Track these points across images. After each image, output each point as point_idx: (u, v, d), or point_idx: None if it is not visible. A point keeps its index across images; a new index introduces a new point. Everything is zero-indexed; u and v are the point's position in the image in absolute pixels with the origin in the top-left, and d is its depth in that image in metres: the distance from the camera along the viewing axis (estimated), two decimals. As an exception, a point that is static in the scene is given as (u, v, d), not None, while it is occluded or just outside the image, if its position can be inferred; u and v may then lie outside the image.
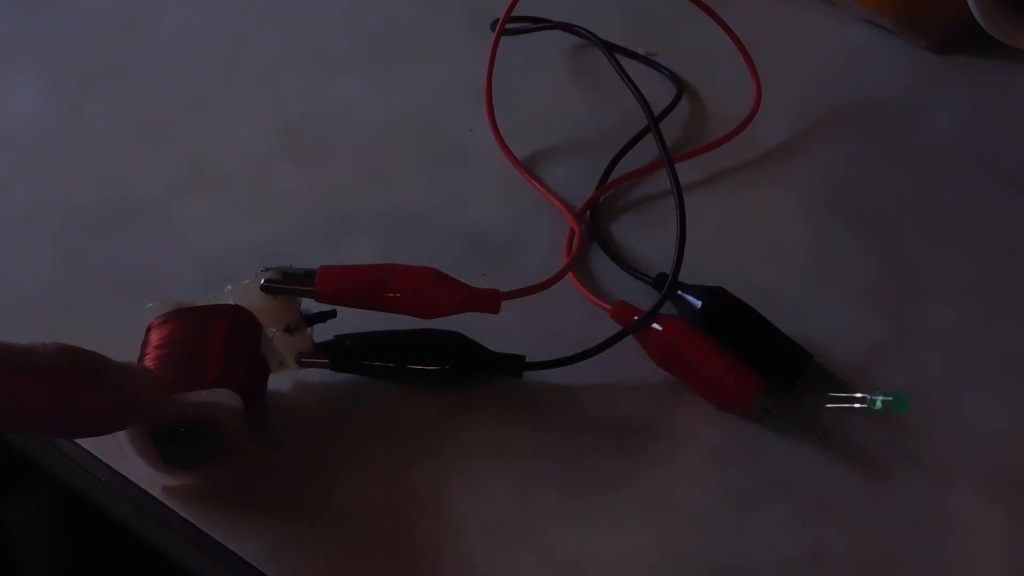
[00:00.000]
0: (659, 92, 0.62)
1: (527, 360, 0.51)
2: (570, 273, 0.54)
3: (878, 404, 0.48)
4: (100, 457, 0.49)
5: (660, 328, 0.51)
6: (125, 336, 0.47)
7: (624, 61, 0.63)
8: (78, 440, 0.49)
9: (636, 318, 0.51)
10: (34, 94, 0.64)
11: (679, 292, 0.52)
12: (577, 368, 0.51)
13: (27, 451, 0.52)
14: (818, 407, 0.49)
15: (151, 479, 0.47)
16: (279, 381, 0.50)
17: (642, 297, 0.53)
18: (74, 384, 0.41)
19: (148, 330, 0.47)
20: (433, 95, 0.63)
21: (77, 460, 0.49)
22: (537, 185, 0.58)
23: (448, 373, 0.51)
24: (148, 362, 0.46)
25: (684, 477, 0.49)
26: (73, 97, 0.64)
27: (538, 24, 0.65)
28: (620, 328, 0.51)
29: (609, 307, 0.52)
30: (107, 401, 0.43)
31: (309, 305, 0.50)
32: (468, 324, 0.51)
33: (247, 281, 0.49)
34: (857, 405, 0.48)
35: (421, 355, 0.51)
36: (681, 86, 0.63)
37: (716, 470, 0.49)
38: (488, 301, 0.50)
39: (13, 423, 0.42)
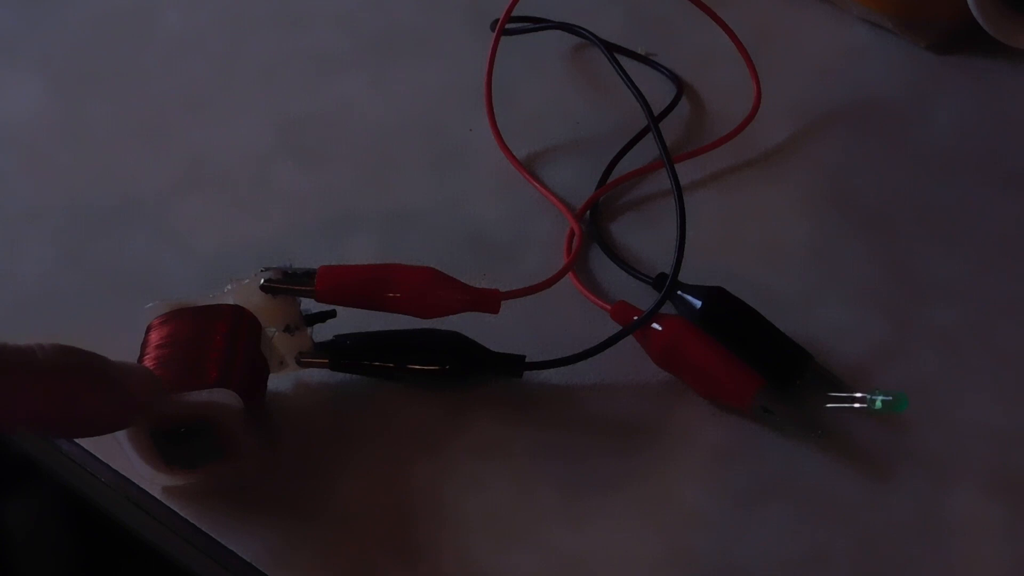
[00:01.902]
0: (659, 92, 0.62)
1: (527, 360, 0.51)
2: (570, 273, 0.54)
3: (878, 404, 0.48)
4: (100, 457, 0.49)
5: (660, 328, 0.51)
6: (125, 335, 0.47)
7: (624, 61, 0.63)
8: (78, 440, 0.49)
9: (636, 318, 0.51)
10: (34, 94, 0.64)
11: (679, 292, 0.52)
12: (577, 368, 0.51)
13: (27, 451, 0.52)
14: (818, 407, 0.49)
15: (151, 479, 0.47)
16: (279, 381, 0.50)
17: (642, 297, 0.53)
18: (71, 385, 0.41)
19: (148, 330, 0.47)
20: (433, 95, 0.63)
21: (77, 460, 0.49)
22: (537, 185, 0.58)
23: (448, 373, 0.51)
24: (148, 362, 0.46)
25: (684, 477, 0.49)
26: (73, 97, 0.64)
27: (538, 24, 0.64)
28: (620, 327, 0.51)
29: (609, 307, 0.52)
30: (105, 401, 0.42)
31: (308, 305, 0.50)
32: (468, 324, 0.51)
33: (247, 281, 0.49)
34: (857, 405, 0.48)
35: (421, 355, 0.51)
36: (681, 86, 0.63)
37: (716, 470, 0.49)
38: (488, 301, 0.50)
39: (10, 424, 0.42)
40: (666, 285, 0.52)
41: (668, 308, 0.52)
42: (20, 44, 0.67)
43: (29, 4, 0.68)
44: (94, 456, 0.49)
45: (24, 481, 0.58)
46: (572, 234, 0.56)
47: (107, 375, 0.42)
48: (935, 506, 0.48)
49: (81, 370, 0.42)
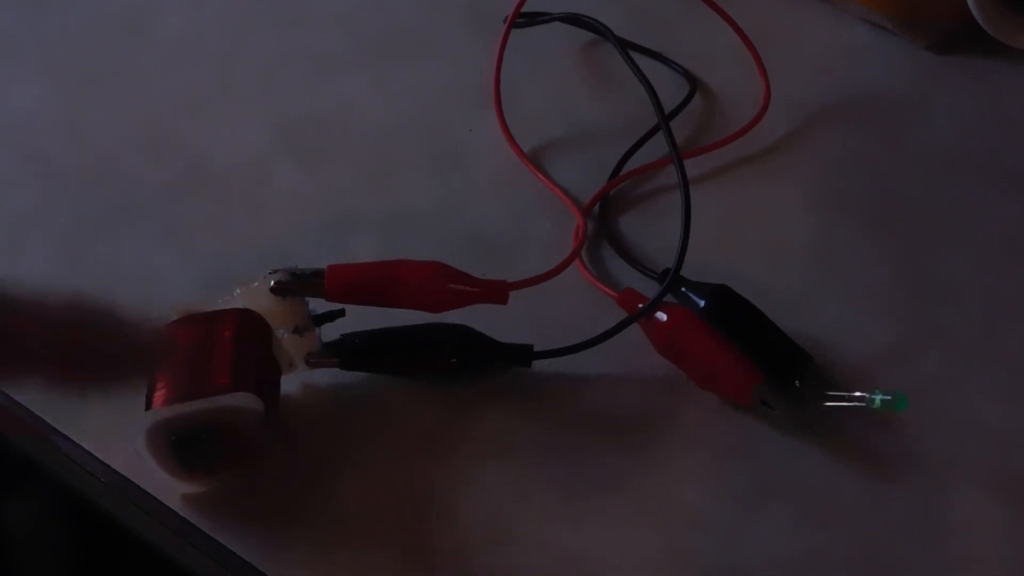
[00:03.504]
0: (661, 89, 0.62)
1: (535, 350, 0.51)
2: (577, 261, 0.54)
3: (877, 403, 0.48)
4: (100, 457, 0.49)
5: (664, 317, 0.51)
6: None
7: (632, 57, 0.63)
8: (79, 440, 0.49)
9: (641, 305, 0.51)
10: (34, 94, 0.64)
11: (683, 289, 0.53)
12: (580, 363, 0.51)
13: (27, 451, 0.52)
14: (818, 407, 0.49)
15: (170, 487, 0.47)
16: (286, 382, 0.50)
17: (648, 293, 0.53)
18: (81, 322, 0.41)
19: (157, 339, 0.47)
20: (433, 95, 0.63)
21: (77, 460, 0.49)
22: (543, 179, 0.58)
23: (457, 366, 0.51)
24: (159, 371, 0.46)
25: (684, 477, 0.49)
26: (73, 97, 0.64)
27: (548, 16, 0.64)
28: (626, 316, 0.51)
29: (616, 294, 0.52)
30: (113, 338, 0.42)
31: (314, 305, 0.50)
32: (472, 322, 0.51)
33: (256, 284, 0.49)
34: (857, 404, 0.48)
35: (429, 349, 0.51)
36: (694, 83, 0.63)
37: (716, 470, 0.49)
38: (496, 292, 0.50)
39: (20, 371, 0.42)
40: (670, 275, 0.52)
41: (670, 307, 0.52)
42: (20, 44, 0.67)
43: (29, 4, 0.68)
44: (94, 456, 0.49)
45: (24, 481, 0.58)
46: (578, 229, 0.56)
47: (114, 315, 0.42)
48: (935, 506, 0.48)
49: (90, 309, 0.42)
